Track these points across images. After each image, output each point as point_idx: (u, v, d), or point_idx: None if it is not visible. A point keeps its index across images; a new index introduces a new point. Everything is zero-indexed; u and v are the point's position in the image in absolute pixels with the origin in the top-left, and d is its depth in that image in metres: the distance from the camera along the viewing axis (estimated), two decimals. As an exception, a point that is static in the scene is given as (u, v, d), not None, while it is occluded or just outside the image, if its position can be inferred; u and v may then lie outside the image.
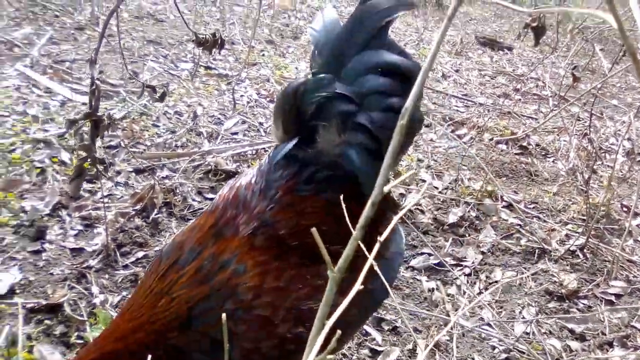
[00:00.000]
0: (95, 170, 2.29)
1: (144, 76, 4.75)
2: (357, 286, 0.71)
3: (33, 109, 3.88)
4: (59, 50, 5.05)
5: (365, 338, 2.47)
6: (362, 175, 1.53)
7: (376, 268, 1.04)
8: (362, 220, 0.70)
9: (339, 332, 0.72)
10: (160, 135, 3.87)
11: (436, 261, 3.06)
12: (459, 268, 3.07)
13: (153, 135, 3.84)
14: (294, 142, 1.52)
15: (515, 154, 4.46)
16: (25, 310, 2.26)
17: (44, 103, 4.01)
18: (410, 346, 2.46)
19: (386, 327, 2.56)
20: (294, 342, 1.43)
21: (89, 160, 2.26)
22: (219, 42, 2.87)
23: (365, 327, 2.53)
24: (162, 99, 2.54)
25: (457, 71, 6.77)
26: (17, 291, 2.37)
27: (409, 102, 0.69)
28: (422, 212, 3.49)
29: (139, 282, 1.74)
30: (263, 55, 6.07)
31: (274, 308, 1.42)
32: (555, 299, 2.82)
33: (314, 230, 0.72)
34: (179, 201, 3.13)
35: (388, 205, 1.69)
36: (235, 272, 1.39)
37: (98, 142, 3.12)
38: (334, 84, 1.54)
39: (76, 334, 2.22)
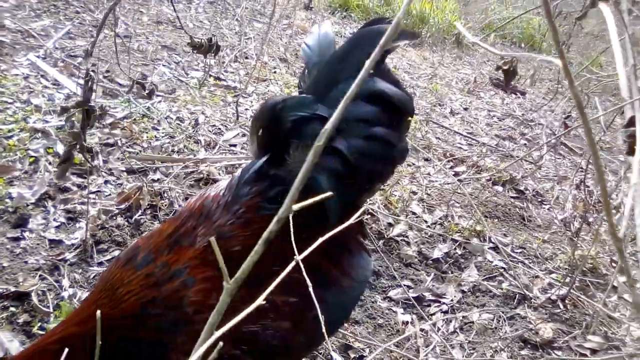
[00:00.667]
0: (83, 158, 2.30)
1: (153, 79, 4.80)
2: (259, 300, 0.71)
3: (37, 99, 3.93)
4: (73, 45, 5.13)
5: (329, 363, 2.44)
6: (328, 202, 1.52)
7: (314, 297, 1.04)
8: (265, 234, 0.70)
9: (221, 343, 0.72)
10: (158, 138, 3.90)
11: (415, 294, 3.03)
12: (436, 304, 3.04)
13: (151, 137, 3.87)
14: (264, 158, 1.52)
15: (511, 197, 4.44)
16: (-8, 296, 2.26)
17: (50, 94, 4.06)
18: (374, 378, 2.43)
19: (352, 355, 2.53)
20: None
21: (77, 147, 2.27)
22: (214, 47, 2.90)
23: (332, 352, 2.51)
24: (149, 96, 2.57)
25: (465, 109, 6.79)
26: (-12, 276, 2.37)
27: (329, 124, 0.70)
28: (408, 244, 3.47)
29: (99, 276, 1.74)
30: (275, 72, 6.13)
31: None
32: (529, 346, 2.78)
33: (212, 239, 0.72)
34: (165, 205, 3.14)
35: (354, 230, 1.69)
36: (184, 283, 1.39)
37: (91, 132, 3.15)
38: (314, 105, 1.54)
39: (39, 324, 2.22)
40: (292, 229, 1.09)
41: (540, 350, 2.76)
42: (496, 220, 4.03)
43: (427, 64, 8.55)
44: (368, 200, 3.62)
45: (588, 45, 9.35)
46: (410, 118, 1.71)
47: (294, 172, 1.55)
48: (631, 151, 1.40)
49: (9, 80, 4.08)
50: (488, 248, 3.54)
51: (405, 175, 4.32)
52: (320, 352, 2.47)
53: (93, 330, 1.41)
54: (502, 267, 3.36)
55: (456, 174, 4.62)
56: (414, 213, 3.83)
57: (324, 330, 1.63)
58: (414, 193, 4.11)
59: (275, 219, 0.70)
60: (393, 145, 1.63)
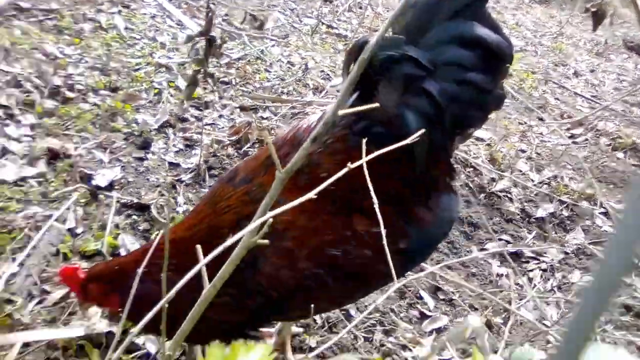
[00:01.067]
0: (206, 81, 2.47)
1: (268, 24, 4.94)
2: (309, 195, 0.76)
3: (162, 37, 4.21)
4: (198, -10, 5.38)
5: (417, 301, 2.49)
6: (415, 143, 1.52)
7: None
8: (313, 134, 0.75)
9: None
10: (269, 80, 4.04)
11: (513, 250, 2.97)
12: (535, 261, 2.96)
13: (263, 79, 4.02)
14: (355, 94, 1.55)
15: (632, 164, 4.13)
16: (119, 204, 2.53)
17: (173, 33, 4.33)
18: (461, 319, 2.44)
19: (441, 297, 2.55)
20: (312, 279, 1.51)
21: (201, 72, 2.43)
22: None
23: (421, 291, 2.55)
24: (260, 27, 2.67)
25: (592, 71, 6.32)
26: (116, 187, 2.65)
27: (374, 39, 0.73)
28: (511, 200, 3.37)
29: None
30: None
31: (300, 245, 1.50)
32: (631, 313, 2.64)
33: (269, 140, 0.77)
34: (269, 138, 3.28)
35: (442, 170, 1.69)
36: (276, 202, 1.48)
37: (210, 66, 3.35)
38: (405, 46, 1.53)
39: (156, 232, 2.45)
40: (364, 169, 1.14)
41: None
42: (612, 186, 3.79)
43: (554, 22, 8.00)
44: (460, 146, 3.54)
45: None
46: (508, 65, 1.65)
47: (380, 110, 1.57)
48: None
49: (138, 18, 4.40)
50: (598, 213, 3.35)
51: (515, 133, 4.16)
52: (410, 289, 2.51)
53: (198, 234, 1.56)
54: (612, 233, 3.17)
55: (572, 136, 4.36)
56: (520, 171, 3.69)
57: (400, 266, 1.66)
58: (523, 151, 3.95)
59: (322, 121, 0.75)
60: (488, 92, 1.59)
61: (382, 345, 2.21)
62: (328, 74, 4.39)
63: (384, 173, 1.51)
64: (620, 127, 4.71)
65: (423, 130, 1.37)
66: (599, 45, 7.29)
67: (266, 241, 0.87)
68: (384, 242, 1.33)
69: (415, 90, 1.54)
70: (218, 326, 1.53)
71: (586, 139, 4.33)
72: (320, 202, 1.51)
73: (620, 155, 4.27)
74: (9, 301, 1.90)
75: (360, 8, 6.13)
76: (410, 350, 2.24)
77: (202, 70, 2.25)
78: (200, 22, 4.54)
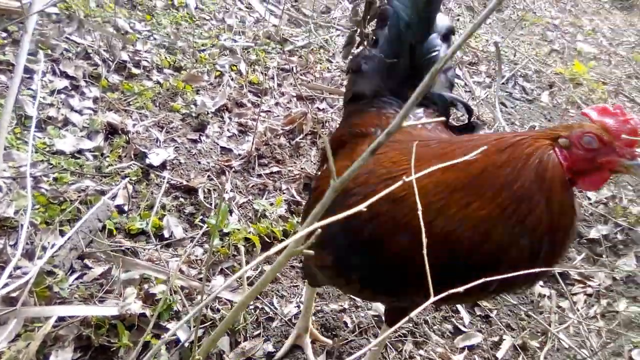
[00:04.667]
0: (363, 41, 2.48)
1: (335, 14, 4.93)
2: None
3: (231, 19, 4.27)
4: (269, -27, 5.42)
5: (453, 314, 2.46)
6: None
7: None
8: (347, 173, 0.75)
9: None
10: (330, 70, 4.04)
11: (559, 270, 2.87)
12: (581, 285, 2.86)
13: (324, 69, 4.02)
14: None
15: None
16: (168, 185, 2.61)
17: (242, 16, 4.38)
18: (495, 339, 2.40)
19: (478, 312, 2.51)
20: None
21: (358, 32, 2.42)
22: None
23: (458, 305, 2.51)
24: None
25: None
26: (168, 167, 2.74)
27: (449, 51, 0.71)
28: (564, 218, 3.25)
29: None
30: (457, 20, 5.91)
31: None
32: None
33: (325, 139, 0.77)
34: (325, 134, 3.29)
35: None
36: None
37: (271, 56, 3.36)
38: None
39: (201, 217, 2.52)
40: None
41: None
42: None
43: (634, 30, 7.57)
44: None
45: None
46: None
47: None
48: None
49: (210, -1, 4.48)
50: (657, 241, 3.19)
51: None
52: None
53: None
54: (669, 264, 3.02)
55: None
56: (578, 188, 3.55)
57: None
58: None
59: (384, 132, 0.74)
60: None
61: (412, 357, 2.20)
62: (389, 69, 4.34)
63: None
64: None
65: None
66: (683, 60, 6.85)
67: (311, 252, 0.84)
68: None
69: None
70: None
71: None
72: None
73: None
74: (50, 272, 1.99)
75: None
76: (438, 363, 2.23)
77: (359, 30, 2.26)
78: (269, 7, 4.58)
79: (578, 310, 2.68)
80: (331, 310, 2.31)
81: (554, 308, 2.67)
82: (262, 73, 3.68)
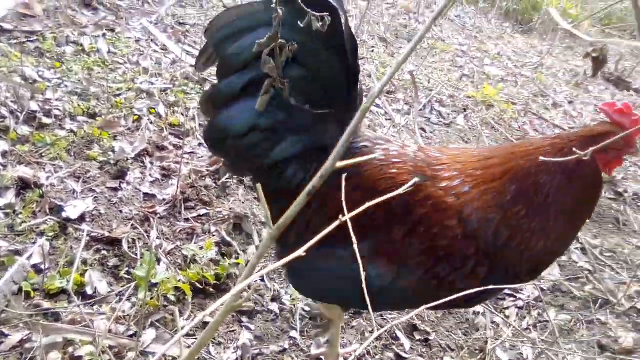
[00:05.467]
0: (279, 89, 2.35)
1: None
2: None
3: (146, 62, 4.18)
4: (184, 13, 5.38)
5: (393, 342, 2.46)
6: None
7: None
8: (283, 219, 0.73)
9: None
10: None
11: (491, 287, 2.95)
12: (512, 299, 2.96)
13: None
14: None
15: (608, 198, 4.16)
16: (88, 238, 2.48)
17: (157, 58, 4.31)
18: (436, 362, 2.42)
19: (417, 337, 2.52)
20: None
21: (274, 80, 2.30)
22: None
23: (396, 331, 2.52)
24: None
25: (570, 103, 6.41)
26: (87, 219, 2.60)
27: (380, 85, 0.71)
28: (489, 235, 3.37)
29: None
30: (372, 51, 6.10)
31: None
32: (606, 354, 2.64)
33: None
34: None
35: None
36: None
37: (191, 96, 3.30)
38: None
39: (126, 269, 2.40)
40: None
41: (618, 358, 2.61)
42: (588, 221, 3.81)
43: (535, 52, 8.13)
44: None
45: None
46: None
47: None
48: None
49: (123, 42, 4.38)
50: (575, 248, 3.36)
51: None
52: (386, 330, 2.48)
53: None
54: (588, 270, 3.19)
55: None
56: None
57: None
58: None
59: (318, 175, 0.73)
60: None
61: (355, 390, 2.18)
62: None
63: None
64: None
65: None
66: (577, 77, 7.40)
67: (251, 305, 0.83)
68: None
69: None
70: None
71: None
72: None
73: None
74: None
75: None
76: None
77: (275, 77, 2.14)
78: (185, 47, 4.54)
79: (510, 325, 2.76)
80: (271, 352, 2.25)
81: (489, 324, 2.74)
82: (182, 114, 3.62)
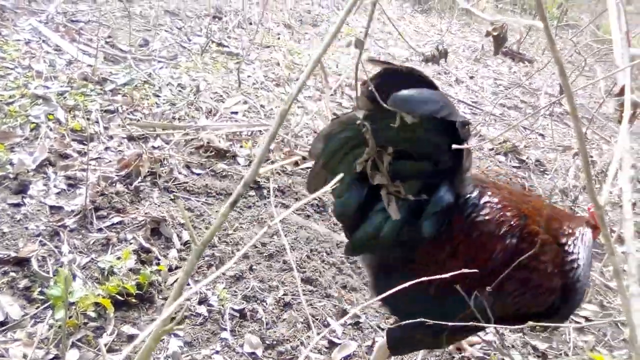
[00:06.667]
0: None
1: (155, 45, 4.77)
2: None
3: (39, 64, 3.92)
4: (75, 10, 5.08)
5: (325, 329, 2.48)
6: None
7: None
8: (208, 233, 0.72)
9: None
10: (159, 105, 3.89)
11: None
12: (433, 273, 3.07)
13: (152, 104, 3.86)
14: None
15: (513, 166, 4.42)
16: (-7, 260, 2.30)
17: (51, 60, 4.04)
18: (369, 342, 2.47)
19: (348, 321, 2.57)
20: None
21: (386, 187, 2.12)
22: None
23: (328, 318, 2.55)
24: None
25: (471, 78, 6.71)
26: (-11, 241, 2.41)
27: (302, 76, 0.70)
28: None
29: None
30: (278, 38, 6.06)
31: None
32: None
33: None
34: (165, 172, 3.15)
35: None
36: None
37: (92, 98, 3.13)
38: None
39: (39, 289, 2.26)
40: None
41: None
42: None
43: (435, 30, 8.41)
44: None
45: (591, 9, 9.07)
46: None
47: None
48: (622, 120, 1.39)
49: (11, 45, 4.07)
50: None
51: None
52: (317, 317, 2.50)
53: None
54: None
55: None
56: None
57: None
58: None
59: (241, 184, 0.71)
60: None
61: (293, 381, 2.18)
62: (221, 96, 4.31)
63: None
64: (500, 130, 5.03)
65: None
66: (476, 52, 7.76)
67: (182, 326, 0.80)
68: None
69: None
70: None
71: (471, 146, 4.57)
72: None
73: (502, 158, 4.57)
74: None
75: (251, 24, 6.09)
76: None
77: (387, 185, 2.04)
78: (80, 46, 4.29)
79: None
80: (203, 357, 2.20)
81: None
82: (84, 118, 3.42)
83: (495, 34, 3.69)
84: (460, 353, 2.51)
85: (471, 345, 2.58)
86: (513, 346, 2.65)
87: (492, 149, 4.63)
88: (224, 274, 2.63)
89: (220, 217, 0.80)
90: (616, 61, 1.35)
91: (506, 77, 7.11)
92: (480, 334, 2.46)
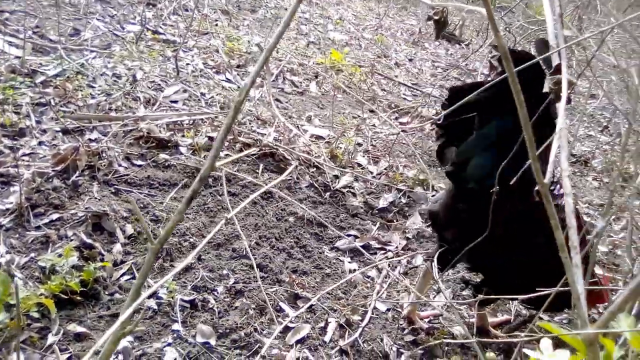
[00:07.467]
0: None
1: (86, 35, 4.58)
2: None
3: (-40, 57, 3.69)
4: (-2, -1, 4.80)
5: (278, 314, 2.49)
6: None
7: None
8: (164, 232, 0.69)
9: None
10: (94, 96, 3.75)
11: (361, 243, 3.10)
12: (382, 252, 3.12)
13: (87, 95, 3.71)
14: None
15: (454, 145, 4.53)
16: None
17: (-27, 53, 3.81)
18: (322, 324, 2.49)
19: (301, 304, 2.58)
20: None
21: None
22: None
23: (280, 303, 2.55)
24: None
25: (410, 60, 6.82)
26: None
27: (248, 80, 0.69)
28: (354, 195, 3.52)
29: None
30: (216, 25, 5.95)
31: None
32: (470, 287, 2.90)
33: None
34: (104, 165, 3.05)
35: None
36: None
37: (22, 91, 2.98)
38: None
39: (-24, 293, 2.14)
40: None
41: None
42: (440, 169, 4.12)
43: (373, 14, 8.48)
44: (315, 153, 3.62)
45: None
46: None
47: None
48: (558, 98, 1.45)
49: None
50: (431, 196, 3.63)
51: (351, 128, 4.34)
52: (270, 303, 2.50)
53: None
54: (445, 214, 3.46)
55: (401, 125, 4.67)
56: (359, 165, 3.87)
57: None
58: (360, 145, 4.14)
59: (197, 179, 0.70)
60: None
61: (247, 367, 2.18)
62: (159, 84, 4.19)
63: None
64: (439, 111, 5.14)
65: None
66: (414, 35, 7.89)
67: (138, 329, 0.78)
68: None
69: None
70: None
71: (413, 127, 4.66)
72: None
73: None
74: None
75: (187, 10, 5.95)
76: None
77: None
78: (5, 37, 4.05)
79: (386, 277, 2.92)
80: (155, 350, 2.16)
81: (364, 279, 2.88)
82: (14, 112, 3.25)
83: (436, 18, 3.76)
84: (410, 326, 2.57)
85: (421, 318, 2.65)
86: (461, 317, 2.73)
87: (433, 129, 4.72)
88: (172, 265, 2.58)
89: (176, 215, 0.78)
90: (550, 42, 1.40)
91: (444, 59, 7.27)
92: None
